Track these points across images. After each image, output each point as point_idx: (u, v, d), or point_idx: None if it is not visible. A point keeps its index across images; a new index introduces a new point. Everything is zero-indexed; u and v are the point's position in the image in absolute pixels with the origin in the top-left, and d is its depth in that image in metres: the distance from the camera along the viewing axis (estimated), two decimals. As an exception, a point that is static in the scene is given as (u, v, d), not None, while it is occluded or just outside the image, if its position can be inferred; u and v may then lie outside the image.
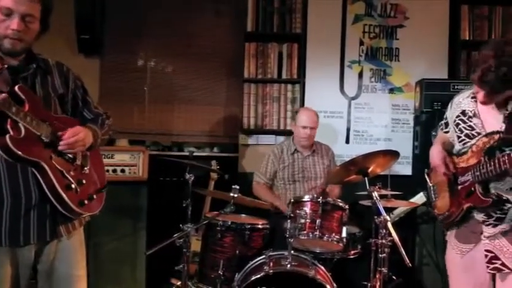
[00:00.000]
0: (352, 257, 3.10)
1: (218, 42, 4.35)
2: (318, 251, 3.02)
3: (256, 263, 2.82)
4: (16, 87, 1.77)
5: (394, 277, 3.14)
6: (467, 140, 2.21)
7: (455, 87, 3.69)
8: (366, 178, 2.92)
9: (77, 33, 4.03)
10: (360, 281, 3.03)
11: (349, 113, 4.25)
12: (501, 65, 1.92)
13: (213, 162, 3.79)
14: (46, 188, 1.81)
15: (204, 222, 2.98)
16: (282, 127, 4.21)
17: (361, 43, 4.25)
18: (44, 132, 1.81)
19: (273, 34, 4.22)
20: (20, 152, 1.72)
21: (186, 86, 4.37)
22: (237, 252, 2.92)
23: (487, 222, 2.14)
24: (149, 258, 3.44)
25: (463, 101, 2.27)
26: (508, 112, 2.09)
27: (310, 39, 4.21)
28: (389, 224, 2.64)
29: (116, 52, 4.31)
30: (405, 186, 3.45)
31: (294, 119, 3.72)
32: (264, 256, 2.82)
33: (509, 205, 2.09)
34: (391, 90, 4.25)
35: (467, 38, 4.16)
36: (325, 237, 2.87)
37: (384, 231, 2.70)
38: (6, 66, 1.82)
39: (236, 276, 2.81)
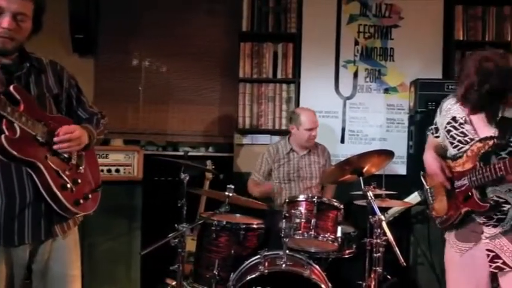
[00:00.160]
0: (347, 256, 3.10)
1: (213, 42, 4.35)
2: (313, 251, 3.02)
3: (251, 263, 2.82)
4: (11, 87, 1.76)
5: (388, 276, 3.15)
6: (461, 145, 2.21)
7: (450, 87, 3.70)
8: (361, 178, 2.93)
9: (71, 33, 4.02)
10: (355, 280, 3.04)
11: (344, 112, 4.26)
12: (483, 83, 1.91)
13: (208, 162, 3.79)
14: (41, 187, 1.80)
15: (199, 222, 2.98)
16: (277, 127, 4.21)
17: (356, 43, 4.26)
18: (39, 132, 1.80)
19: (268, 34, 4.22)
20: (15, 152, 1.71)
21: (181, 86, 4.37)
22: (232, 252, 2.92)
23: (487, 224, 2.15)
24: (144, 258, 3.42)
25: (452, 108, 2.25)
26: (499, 117, 2.09)
27: (305, 39, 4.21)
28: (384, 224, 2.64)
29: (111, 52, 4.30)
30: (400, 186, 3.46)
31: (292, 120, 3.66)
32: (259, 256, 2.82)
33: (508, 206, 2.10)
34: (386, 90, 4.26)
35: (461, 38, 4.18)
36: (320, 237, 2.87)
37: (379, 230, 2.71)
38: (-1, 66, 1.81)
39: (231, 276, 2.81)
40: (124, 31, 4.30)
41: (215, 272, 2.86)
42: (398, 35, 4.25)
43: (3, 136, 1.69)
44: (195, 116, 4.37)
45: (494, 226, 2.14)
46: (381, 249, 2.72)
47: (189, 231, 3.28)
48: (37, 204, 1.85)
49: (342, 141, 4.25)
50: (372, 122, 4.26)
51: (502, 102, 2.02)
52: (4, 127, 1.70)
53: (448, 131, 2.26)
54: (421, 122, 3.77)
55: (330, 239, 2.89)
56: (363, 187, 2.82)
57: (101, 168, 3.36)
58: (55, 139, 1.85)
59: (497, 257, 2.13)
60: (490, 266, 2.14)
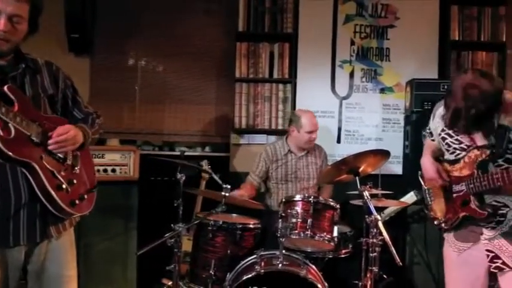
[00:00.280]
0: (343, 256, 3.11)
1: (209, 42, 4.35)
2: (309, 251, 3.02)
3: (248, 263, 2.82)
4: (5, 87, 1.75)
5: (385, 276, 3.15)
6: (458, 152, 2.22)
7: (445, 87, 3.71)
8: (357, 178, 2.94)
9: (67, 32, 4.01)
10: (351, 280, 3.04)
11: (341, 112, 4.26)
12: (469, 108, 1.92)
13: (204, 162, 3.78)
14: (37, 188, 1.80)
15: (196, 222, 2.97)
16: (273, 127, 4.21)
17: (352, 43, 4.27)
18: (34, 133, 1.80)
19: (264, 34, 4.22)
20: (10, 153, 1.70)
21: (177, 86, 4.36)
22: (229, 252, 2.91)
23: (486, 226, 2.17)
24: (140, 258, 3.42)
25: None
26: (495, 126, 2.09)
27: (302, 39, 4.22)
28: (380, 224, 2.65)
29: (107, 51, 4.29)
30: (396, 185, 3.47)
31: (292, 122, 3.62)
32: (255, 256, 2.81)
33: (507, 209, 2.12)
34: (382, 90, 4.27)
35: (457, 39, 4.19)
36: (316, 237, 2.87)
37: (375, 230, 2.71)
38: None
39: (227, 276, 2.81)
40: (120, 31, 4.29)
41: (211, 272, 2.86)
42: (394, 35, 4.26)
43: (-3, 136, 1.68)
44: (192, 116, 4.37)
45: (493, 228, 2.16)
46: (377, 248, 2.72)
47: (185, 231, 3.28)
48: (32, 204, 1.84)
49: (338, 141, 4.26)
50: (368, 122, 4.26)
51: (490, 121, 2.02)
52: (-1, 127, 1.70)
53: (443, 139, 2.27)
54: (417, 122, 3.78)
55: (326, 238, 2.89)
56: (359, 187, 2.82)
57: (96, 168, 3.38)
58: (50, 140, 1.84)
59: (496, 257, 2.15)
60: (490, 266, 2.16)
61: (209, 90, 4.38)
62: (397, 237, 3.61)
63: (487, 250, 2.17)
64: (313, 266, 2.84)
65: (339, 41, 4.25)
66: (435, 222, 2.38)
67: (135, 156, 3.55)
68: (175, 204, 3.16)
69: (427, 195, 2.47)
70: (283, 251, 2.75)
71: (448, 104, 2.01)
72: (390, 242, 2.52)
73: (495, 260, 2.15)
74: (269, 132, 4.23)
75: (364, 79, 4.27)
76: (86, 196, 1.99)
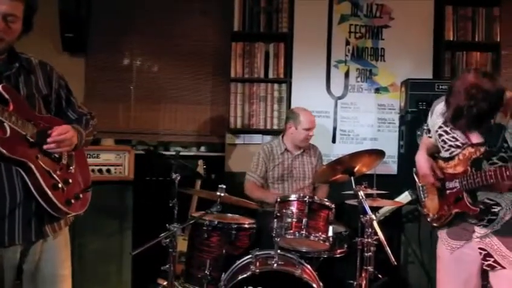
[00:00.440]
0: (338, 256, 3.11)
1: (204, 42, 4.34)
2: (304, 250, 3.02)
3: (243, 263, 2.82)
4: (0, 87, 1.74)
5: (379, 275, 3.16)
6: (453, 149, 2.23)
7: (440, 87, 3.73)
8: (352, 177, 2.94)
9: (61, 32, 3.99)
10: (346, 279, 3.05)
11: (336, 112, 4.27)
12: (471, 107, 1.93)
13: (200, 162, 3.78)
14: (33, 187, 1.79)
15: (191, 221, 2.97)
16: (268, 127, 4.21)
17: (347, 43, 4.27)
18: (30, 132, 1.79)
19: (260, 34, 4.22)
20: (6, 152, 1.70)
21: (173, 86, 4.35)
22: (224, 251, 2.91)
23: (479, 224, 2.18)
24: (135, 258, 3.40)
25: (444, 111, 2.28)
26: (491, 124, 2.10)
27: (297, 39, 4.22)
28: (375, 223, 2.66)
29: (101, 51, 4.28)
30: (391, 185, 3.47)
31: (290, 119, 3.62)
32: (250, 255, 2.82)
33: (498, 207, 2.13)
34: (377, 90, 4.28)
35: (452, 39, 4.21)
36: (311, 237, 2.87)
37: (370, 230, 2.72)
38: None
39: (223, 275, 2.81)
40: (115, 30, 4.28)
41: (206, 271, 2.85)
42: (389, 35, 4.27)
43: (-7, 136, 1.67)
44: (187, 116, 4.36)
45: (485, 226, 2.17)
46: (372, 248, 2.73)
47: (181, 231, 3.28)
48: (27, 204, 1.83)
49: (334, 140, 4.27)
50: (363, 121, 4.27)
51: (490, 120, 2.04)
52: (-6, 127, 1.69)
53: (440, 135, 2.28)
54: (411, 122, 3.80)
55: (321, 238, 2.89)
56: (354, 187, 2.83)
57: (91, 168, 3.37)
58: (49, 139, 1.83)
59: (489, 255, 2.16)
60: (483, 263, 2.18)
61: (204, 90, 4.37)
62: (392, 237, 3.62)
63: (480, 248, 2.19)
64: (308, 266, 2.85)
65: (334, 41, 4.26)
66: (428, 219, 2.40)
67: (130, 156, 3.54)
68: (170, 204, 3.15)
69: (421, 192, 2.48)
70: (279, 251, 2.76)
71: (449, 102, 2.02)
72: (385, 242, 2.53)
73: (487, 258, 2.17)
74: (264, 132, 4.23)
75: (359, 79, 4.28)
76: (81, 195, 1.98)
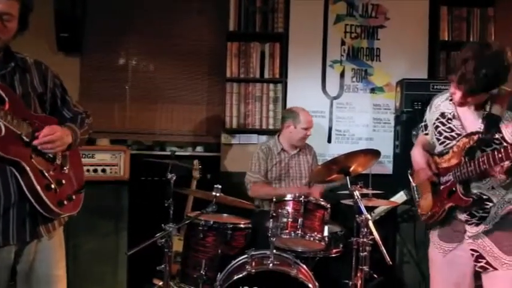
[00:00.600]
0: (334, 255, 3.12)
1: (200, 42, 4.34)
2: (300, 250, 3.03)
3: (239, 263, 2.82)
4: (-4, 86, 1.74)
5: (375, 275, 3.16)
6: (448, 141, 2.24)
7: (435, 87, 3.74)
8: (348, 177, 2.94)
9: (57, 31, 3.97)
10: (342, 279, 3.05)
11: (331, 112, 4.28)
12: (481, 67, 1.95)
13: (195, 162, 3.78)
14: (25, 187, 1.78)
15: (186, 221, 2.97)
16: (264, 126, 4.21)
17: (343, 43, 4.28)
18: (25, 132, 1.79)
19: (255, 33, 4.22)
20: (0, 151, 1.69)
21: (168, 85, 4.35)
22: (219, 251, 2.91)
23: (470, 222, 2.17)
24: (131, 258, 3.41)
25: (442, 104, 2.30)
26: (486, 112, 2.12)
27: (292, 39, 4.22)
28: (370, 223, 2.66)
29: (97, 51, 4.27)
30: (386, 185, 3.48)
31: (288, 118, 3.62)
32: (246, 255, 2.82)
33: (490, 204, 2.13)
34: (372, 90, 4.29)
35: (447, 39, 4.23)
36: (307, 236, 2.88)
37: (365, 230, 2.72)
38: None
39: (218, 275, 2.81)
40: (110, 30, 4.27)
41: (202, 272, 2.85)
42: (384, 35, 4.28)
43: (-13, 135, 1.67)
44: (182, 116, 4.36)
45: (477, 224, 2.16)
46: (367, 248, 2.74)
47: (176, 231, 3.27)
48: (22, 204, 1.83)
49: (329, 140, 4.27)
50: (358, 121, 4.28)
51: (493, 89, 2.07)
52: (-11, 126, 1.68)
53: (436, 127, 2.29)
54: (407, 122, 3.80)
55: (317, 238, 2.90)
56: (349, 186, 2.83)
57: (87, 168, 3.39)
58: (34, 142, 1.82)
59: (481, 256, 2.16)
60: (475, 265, 2.17)
61: (200, 89, 4.37)
62: (387, 237, 3.63)
63: (472, 249, 2.18)
64: (304, 266, 2.85)
65: (329, 41, 4.27)
66: (422, 218, 2.40)
67: (126, 156, 3.54)
68: (166, 204, 3.15)
69: (415, 192, 2.48)
70: (274, 251, 2.76)
71: (458, 65, 2.02)
72: (380, 242, 2.54)
73: (480, 260, 2.16)
74: (260, 132, 4.23)
75: (354, 79, 4.29)
76: (74, 197, 1.98)
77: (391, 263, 2.49)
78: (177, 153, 3.94)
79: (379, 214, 3.54)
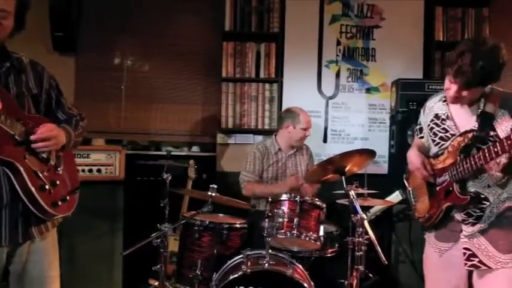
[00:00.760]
0: (329, 255, 3.12)
1: (196, 41, 4.33)
2: (295, 250, 3.03)
3: (234, 263, 2.82)
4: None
5: (370, 275, 3.17)
6: (443, 142, 2.25)
7: (430, 87, 3.75)
8: (343, 177, 2.95)
9: (51, 31, 3.96)
10: (337, 279, 3.05)
11: (327, 112, 4.29)
12: (478, 59, 1.97)
13: (191, 162, 3.77)
14: (19, 188, 1.77)
15: (182, 221, 2.96)
16: (259, 126, 4.21)
17: (338, 43, 4.29)
18: (18, 132, 1.78)
19: (251, 33, 4.22)
20: (-8, 152, 1.69)
21: (164, 85, 4.34)
22: (215, 251, 2.91)
23: (467, 221, 2.18)
24: (126, 258, 3.39)
25: (435, 105, 2.31)
26: (480, 110, 2.13)
27: (288, 38, 4.23)
28: (365, 223, 2.66)
29: (92, 50, 4.25)
30: (381, 185, 3.49)
31: (288, 118, 3.62)
32: (241, 255, 2.82)
33: (487, 203, 2.13)
34: (368, 90, 4.30)
35: (441, 39, 4.24)
36: (302, 236, 2.88)
37: (361, 229, 2.72)
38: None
39: (214, 275, 2.81)
40: (106, 29, 4.26)
41: (198, 272, 2.85)
42: (379, 36, 4.29)
43: (-20, 135, 1.66)
44: (178, 116, 4.35)
45: (473, 224, 2.17)
46: (362, 247, 2.73)
47: (172, 231, 3.26)
48: (14, 205, 1.82)
49: (325, 140, 4.28)
50: (354, 121, 4.29)
51: (488, 83, 2.09)
52: (-18, 126, 1.67)
53: (431, 129, 2.30)
54: (402, 122, 3.81)
55: (312, 238, 2.90)
56: (345, 186, 2.83)
57: (82, 168, 3.38)
58: (32, 137, 1.81)
59: (473, 255, 2.16)
60: (466, 264, 2.17)
61: (195, 89, 4.36)
62: (382, 236, 3.64)
63: (465, 248, 2.18)
64: (300, 266, 2.85)
65: (325, 41, 4.27)
66: (420, 221, 2.40)
67: (121, 156, 3.53)
68: (161, 204, 3.14)
69: (411, 196, 2.49)
70: (270, 251, 2.76)
71: (454, 58, 2.04)
72: (376, 241, 2.54)
73: (472, 259, 2.16)
74: (256, 131, 4.23)
75: (350, 79, 4.30)
76: (68, 197, 1.97)
77: (386, 262, 2.49)
78: (172, 153, 3.95)
79: (375, 214, 3.54)
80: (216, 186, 2.83)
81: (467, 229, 2.19)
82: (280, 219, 2.89)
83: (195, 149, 4.39)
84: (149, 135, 4.37)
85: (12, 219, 1.83)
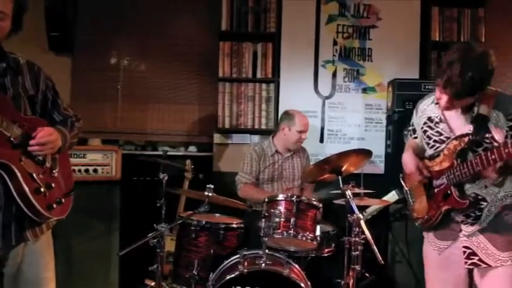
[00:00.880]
0: (326, 255, 3.12)
1: (192, 41, 4.33)
2: (292, 250, 3.03)
3: (231, 263, 2.82)
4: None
5: (367, 274, 3.17)
6: (438, 145, 2.25)
7: (426, 87, 3.76)
8: (340, 177, 2.95)
9: (47, 31, 3.94)
10: (334, 278, 3.06)
11: (323, 112, 4.29)
12: (467, 70, 1.95)
13: (188, 162, 3.77)
14: (14, 191, 1.76)
15: (178, 221, 2.96)
16: (256, 126, 4.21)
17: (335, 43, 4.29)
18: (14, 134, 1.77)
19: (248, 33, 4.22)
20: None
21: (160, 85, 4.33)
22: (212, 251, 2.91)
23: (465, 222, 2.19)
24: (123, 258, 3.39)
25: (428, 108, 2.30)
26: (475, 114, 2.13)
27: (285, 38, 4.23)
28: (362, 222, 2.67)
29: (88, 50, 4.24)
30: (378, 184, 3.49)
31: (284, 120, 3.62)
32: (238, 255, 2.81)
33: (485, 203, 2.14)
34: (364, 90, 4.31)
35: (438, 39, 4.26)
36: (299, 236, 2.88)
37: (357, 229, 2.73)
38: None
39: (210, 275, 2.80)
40: (102, 29, 4.25)
41: (194, 272, 2.85)
42: (376, 36, 4.30)
43: (-24, 137, 1.65)
44: (174, 115, 4.35)
45: (472, 224, 2.18)
46: (359, 247, 2.74)
47: (168, 231, 3.26)
48: (8, 208, 1.80)
49: (321, 140, 4.28)
50: (350, 121, 4.30)
51: (478, 93, 2.06)
52: (-23, 128, 1.66)
53: (425, 131, 2.30)
54: (398, 122, 3.82)
55: (309, 238, 2.90)
56: (341, 186, 2.84)
57: (78, 168, 3.37)
58: (31, 142, 1.81)
59: (473, 254, 2.17)
60: (466, 262, 2.18)
61: (192, 89, 4.36)
62: (379, 236, 3.64)
63: (464, 247, 2.19)
64: (296, 265, 2.86)
65: (321, 41, 4.28)
66: (418, 222, 2.40)
67: (117, 156, 3.52)
68: (158, 204, 3.14)
69: (409, 197, 2.49)
70: (267, 251, 2.76)
71: (444, 68, 2.02)
72: (372, 241, 2.55)
73: (472, 257, 2.17)
74: (252, 131, 4.23)
75: (346, 79, 4.30)
76: (63, 200, 1.96)
77: (382, 262, 2.50)
78: (169, 153, 3.94)
79: (371, 213, 3.55)
80: (212, 186, 2.83)
81: (466, 229, 2.19)
82: (277, 219, 2.89)
83: (191, 148, 4.38)
84: (146, 135, 4.36)
85: (6, 222, 1.81)
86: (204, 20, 4.32)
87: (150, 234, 2.63)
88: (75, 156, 3.37)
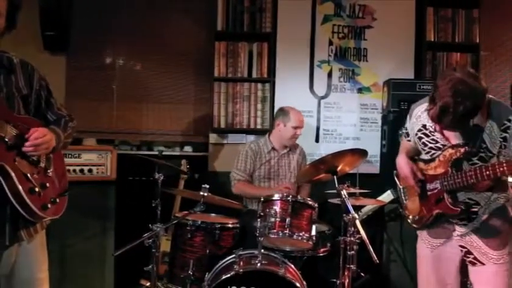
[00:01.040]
0: (321, 254, 3.13)
1: (188, 41, 4.32)
2: (287, 250, 3.03)
3: (226, 262, 2.82)
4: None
5: (362, 274, 3.18)
6: (433, 151, 2.26)
7: (421, 87, 3.79)
8: (335, 176, 2.96)
9: (42, 30, 3.92)
10: (329, 278, 3.07)
11: (319, 112, 4.29)
12: (458, 105, 1.94)
13: (183, 162, 3.76)
14: (9, 192, 1.75)
15: (174, 221, 2.96)
16: (252, 126, 4.21)
17: (330, 43, 4.30)
18: (8, 134, 1.76)
19: (243, 33, 4.22)
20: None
21: (156, 85, 4.32)
22: (207, 251, 2.91)
23: (459, 223, 2.23)
24: (118, 259, 3.38)
25: (422, 115, 2.29)
26: (472, 125, 2.13)
27: (280, 38, 4.23)
28: (357, 222, 2.67)
29: (83, 50, 4.22)
30: (373, 184, 3.50)
31: (279, 116, 3.65)
32: (234, 255, 2.82)
33: (478, 206, 2.18)
34: (360, 90, 4.32)
35: (432, 40, 4.27)
36: (295, 236, 2.88)
37: (353, 229, 2.74)
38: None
39: (206, 275, 2.80)
40: (97, 28, 4.23)
41: (190, 272, 2.85)
42: (371, 36, 4.31)
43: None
44: (170, 115, 4.34)
45: (465, 225, 2.22)
46: (354, 247, 2.75)
47: (164, 231, 3.25)
48: (2, 208, 1.80)
49: (317, 140, 4.29)
50: (345, 121, 4.30)
51: (473, 119, 2.06)
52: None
53: (420, 138, 2.31)
54: (393, 122, 3.83)
55: (304, 237, 2.90)
56: (337, 186, 2.84)
57: (73, 168, 3.36)
58: (26, 144, 1.80)
59: (469, 252, 2.22)
60: (466, 259, 2.23)
61: (188, 89, 4.35)
62: (374, 236, 3.66)
63: (460, 246, 2.24)
64: (292, 265, 2.86)
65: (317, 41, 4.28)
66: (409, 221, 2.42)
67: (113, 156, 3.51)
68: (153, 204, 3.13)
69: (402, 195, 2.51)
70: (262, 250, 2.76)
71: (435, 99, 2.01)
72: (367, 240, 2.55)
73: (468, 255, 2.23)
74: (248, 131, 4.23)
75: (342, 79, 4.31)
76: (57, 200, 1.95)
77: (378, 261, 2.50)
78: (164, 153, 3.94)
79: (366, 213, 3.56)
80: (208, 186, 2.83)
81: (460, 229, 2.23)
82: (272, 219, 2.89)
83: (187, 148, 4.38)
84: (141, 135, 4.35)
85: (0, 222, 1.80)
86: (200, 20, 4.31)
87: (145, 235, 2.62)
88: (70, 156, 3.36)
